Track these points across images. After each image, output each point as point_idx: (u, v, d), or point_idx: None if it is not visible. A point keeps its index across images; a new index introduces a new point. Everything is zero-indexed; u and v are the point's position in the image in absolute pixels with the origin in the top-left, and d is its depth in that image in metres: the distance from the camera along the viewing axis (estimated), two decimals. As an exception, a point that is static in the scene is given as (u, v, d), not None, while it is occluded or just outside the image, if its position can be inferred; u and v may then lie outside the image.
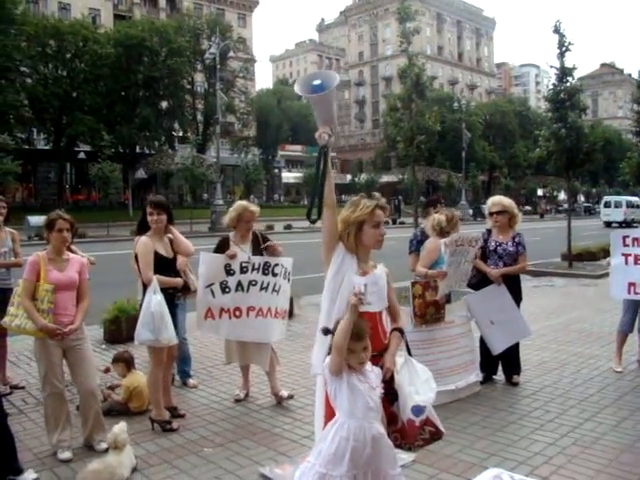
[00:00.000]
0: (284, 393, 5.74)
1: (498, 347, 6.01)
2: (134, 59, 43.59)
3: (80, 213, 41.67)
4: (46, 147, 45.59)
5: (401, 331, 3.29)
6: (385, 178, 66.31)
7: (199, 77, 52.00)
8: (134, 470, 4.32)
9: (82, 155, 44.66)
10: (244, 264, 5.68)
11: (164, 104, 48.87)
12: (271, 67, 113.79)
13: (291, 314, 9.65)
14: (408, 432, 3.13)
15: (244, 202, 5.97)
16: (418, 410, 3.08)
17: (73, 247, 6.48)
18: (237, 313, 5.66)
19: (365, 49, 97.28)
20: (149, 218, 5.22)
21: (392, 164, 70.01)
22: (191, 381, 6.36)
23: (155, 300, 4.96)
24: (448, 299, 5.90)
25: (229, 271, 5.65)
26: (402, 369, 3.21)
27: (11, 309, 4.67)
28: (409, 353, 3.42)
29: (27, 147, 42.08)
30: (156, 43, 44.16)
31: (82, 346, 4.69)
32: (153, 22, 47.06)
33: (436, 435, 3.23)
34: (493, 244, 6.18)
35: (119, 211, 43.38)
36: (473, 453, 4.50)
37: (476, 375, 5.89)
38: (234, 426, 5.19)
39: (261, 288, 5.69)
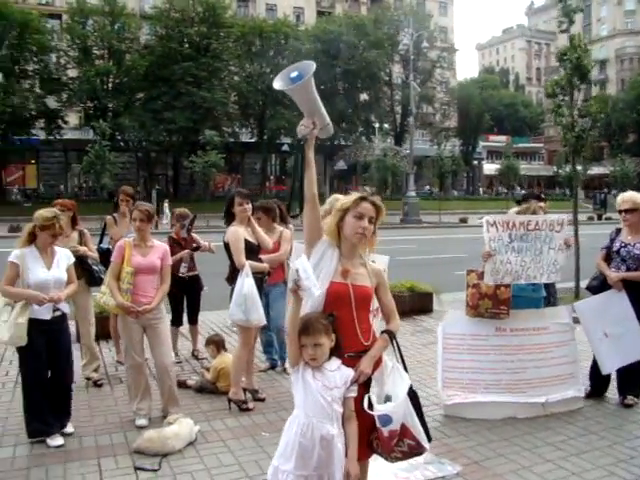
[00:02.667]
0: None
1: (609, 366, 5.32)
2: (332, 53, 45.10)
3: (278, 202, 44.58)
4: (251, 140, 49.08)
5: (391, 334, 3.08)
6: (595, 170, 60.98)
7: (397, 68, 52.23)
8: (190, 444, 4.58)
9: (285, 147, 47.42)
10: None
11: (362, 96, 49.95)
12: (477, 56, 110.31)
13: (430, 310, 9.46)
14: (381, 441, 2.93)
15: (339, 196, 5.94)
16: (385, 420, 2.87)
17: (194, 235, 7.05)
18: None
19: (577, 31, 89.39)
20: (238, 208, 5.49)
21: (605, 155, 64.22)
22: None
23: (247, 283, 5.23)
24: (551, 302, 5.38)
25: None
26: (390, 375, 3.02)
27: (102, 287, 5.20)
28: (401, 358, 3.18)
29: (233, 140, 45.75)
30: (354, 37, 45.22)
31: (159, 325, 5.07)
32: (351, 16, 48.27)
33: (416, 450, 2.98)
34: (618, 245, 5.45)
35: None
36: (528, 477, 4.05)
37: (577, 390, 5.25)
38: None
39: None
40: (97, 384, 5.99)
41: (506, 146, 61.81)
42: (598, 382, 5.52)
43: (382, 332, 3.10)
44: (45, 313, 4.53)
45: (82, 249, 5.82)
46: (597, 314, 5.34)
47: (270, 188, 53.42)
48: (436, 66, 54.12)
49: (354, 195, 3.06)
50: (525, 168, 61.11)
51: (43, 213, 4.60)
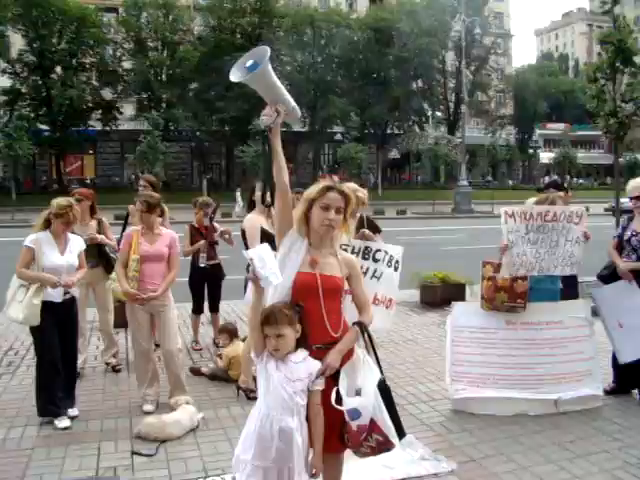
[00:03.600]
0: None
1: (626, 356, 5.08)
2: (384, 41, 44.61)
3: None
4: (303, 129, 49.13)
5: (362, 326, 2.99)
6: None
7: (450, 55, 51.23)
8: (192, 431, 4.61)
9: (338, 137, 47.32)
10: (344, 247, 5.55)
11: (414, 84, 49.28)
12: (535, 41, 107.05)
13: (462, 300, 9.25)
14: (350, 435, 2.86)
15: (352, 185, 5.86)
16: (353, 414, 2.79)
17: (215, 224, 7.09)
18: (336, 294, 5.63)
19: (626, 13, 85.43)
20: (258, 193, 5.51)
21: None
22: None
23: None
24: (572, 295, 5.19)
25: (329, 252, 5.65)
26: (362, 368, 2.95)
27: (112, 275, 5.29)
28: (374, 351, 3.09)
29: (284, 130, 45.78)
30: (406, 24, 44.59)
31: (166, 312, 5.11)
32: (403, 3, 47.59)
33: (384, 445, 2.88)
34: (629, 233, 5.20)
35: (368, 190, 45.13)
36: (525, 477, 3.88)
37: (594, 388, 5.02)
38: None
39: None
40: (115, 369, 6.11)
41: (563, 134, 59.97)
42: (623, 376, 5.27)
43: (353, 323, 3.01)
44: (57, 296, 4.71)
45: (99, 237, 5.93)
46: (611, 303, 5.15)
47: (322, 177, 53.38)
48: (491, 53, 52.84)
49: (320, 184, 2.98)
50: (584, 157, 58.95)
51: (59, 201, 4.77)
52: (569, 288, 5.27)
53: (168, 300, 5.15)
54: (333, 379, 2.86)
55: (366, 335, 2.99)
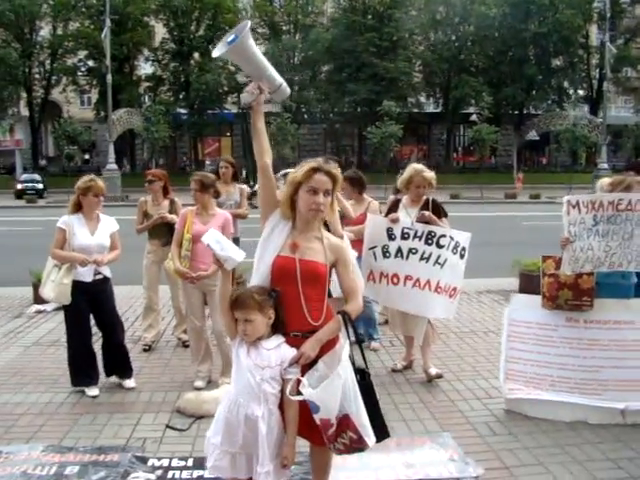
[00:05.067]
0: (432, 371, 5.33)
1: None
2: (521, 17, 42.25)
3: (461, 175, 43.41)
4: (436, 110, 47.98)
5: (346, 315, 2.81)
6: None
7: (595, 29, 47.49)
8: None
9: (474, 117, 45.67)
10: (406, 230, 5.40)
11: (554, 61, 46.31)
12: None
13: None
14: (319, 429, 2.71)
15: (418, 165, 5.60)
16: (312, 406, 2.63)
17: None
18: (395, 280, 5.43)
19: None
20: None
21: None
22: (374, 344, 6.33)
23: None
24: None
25: (391, 235, 5.45)
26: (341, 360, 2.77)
27: (169, 254, 5.43)
28: (358, 343, 2.89)
29: (417, 111, 45.12)
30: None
31: (217, 292, 5.16)
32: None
33: (357, 444, 2.69)
34: None
35: (503, 174, 43.44)
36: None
37: (672, 399, 4.44)
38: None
39: (421, 258, 5.33)
40: (185, 344, 6.30)
41: None
42: None
43: (337, 312, 2.84)
44: (87, 276, 4.86)
45: (169, 216, 6.11)
46: None
47: (457, 159, 52.02)
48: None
49: (306, 166, 2.81)
50: None
51: (81, 179, 4.97)
52: None
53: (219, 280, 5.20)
54: (309, 368, 2.72)
55: (350, 325, 2.81)
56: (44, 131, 50.97)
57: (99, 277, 4.95)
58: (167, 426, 4.38)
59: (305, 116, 46.57)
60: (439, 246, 5.29)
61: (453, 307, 5.43)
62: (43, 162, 48.51)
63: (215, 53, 2.82)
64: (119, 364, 5.16)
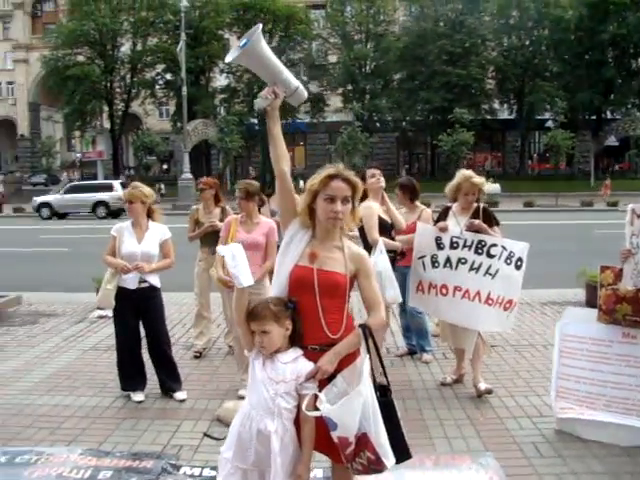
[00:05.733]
0: (482, 386, 5.10)
1: None
2: (598, 18, 40.65)
3: (536, 182, 42.09)
4: (510, 117, 46.77)
5: (366, 329, 2.68)
6: None
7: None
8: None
9: (549, 124, 44.30)
10: (454, 239, 5.23)
11: (634, 63, 44.29)
12: None
13: None
14: (337, 446, 2.60)
15: (467, 171, 5.41)
16: (330, 423, 2.52)
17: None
18: (443, 291, 5.26)
19: None
20: (370, 180, 5.35)
21: None
22: (426, 356, 6.15)
23: (382, 260, 5.08)
24: None
25: (439, 244, 5.30)
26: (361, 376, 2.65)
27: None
28: (379, 359, 2.74)
29: (490, 118, 44.16)
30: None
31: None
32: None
33: (374, 466, 2.54)
34: None
35: (580, 181, 41.91)
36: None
37: None
38: (405, 409, 4.86)
39: (471, 268, 5.14)
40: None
41: None
42: None
43: (358, 325, 2.72)
44: (130, 283, 4.92)
45: (220, 224, 6.16)
46: None
47: (531, 167, 50.54)
48: None
49: (323, 173, 2.72)
50: None
51: (127, 190, 5.08)
52: None
53: (264, 289, 5.17)
54: (329, 384, 2.62)
55: (370, 339, 2.68)
56: (125, 142, 53.19)
57: (144, 285, 4.99)
58: (204, 434, 4.37)
59: (377, 124, 46.47)
60: (490, 256, 5.09)
61: (509, 321, 5.18)
62: (127, 172, 50.54)
63: (227, 58, 2.79)
64: (166, 374, 5.20)
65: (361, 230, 5.31)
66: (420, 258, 5.37)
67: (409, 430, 4.32)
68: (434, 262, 5.30)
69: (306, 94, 2.94)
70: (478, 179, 5.24)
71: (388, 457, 2.56)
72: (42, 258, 14.93)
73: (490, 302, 5.07)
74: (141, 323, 5.15)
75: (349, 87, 45.84)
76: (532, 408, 4.82)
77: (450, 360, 6.05)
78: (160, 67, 45.32)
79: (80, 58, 45.25)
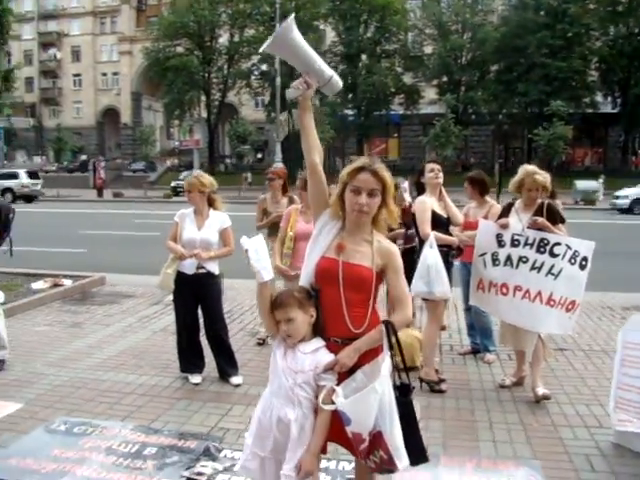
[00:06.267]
0: (539, 391, 4.90)
1: None
2: None
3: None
4: (613, 111, 44.31)
5: (389, 326, 2.63)
6: None
7: None
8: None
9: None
10: (516, 236, 5.05)
11: None
12: None
13: None
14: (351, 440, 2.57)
15: (530, 167, 5.19)
16: (344, 417, 2.50)
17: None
18: (504, 290, 5.10)
19: None
20: (429, 174, 5.28)
21: None
22: (489, 356, 5.99)
23: (431, 254, 5.04)
24: None
25: (500, 242, 5.14)
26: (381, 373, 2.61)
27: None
28: (401, 356, 2.67)
29: (591, 112, 42.02)
30: None
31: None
32: None
33: (387, 465, 2.50)
34: None
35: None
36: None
37: None
38: (457, 409, 4.79)
39: (532, 267, 4.96)
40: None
41: None
42: None
43: (382, 321, 2.68)
44: (188, 269, 5.05)
45: None
46: None
47: (636, 163, 47.72)
48: None
49: (353, 164, 2.69)
50: None
51: (187, 179, 5.22)
52: None
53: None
54: (349, 379, 2.61)
55: (393, 337, 2.63)
56: (221, 131, 54.76)
57: (202, 271, 5.10)
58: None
59: (472, 117, 45.35)
60: (553, 255, 4.88)
61: (570, 323, 4.97)
62: (229, 161, 51.94)
63: (262, 48, 2.80)
64: (223, 359, 5.32)
65: (416, 225, 5.27)
66: (481, 255, 5.23)
67: (456, 431, 4.32)
68: (494, 260, 5.14)
69: (341, 84, 2.90)
70: (541, 176, 5.02)
71: (401, 459, 2.52)
72: (133, 242, 15.69)
73: (552, 303, 4.88)
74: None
75: (444, 79, 44.96)
76: (592, 418, 4.58)
77: (514, 361, 5.86)
78: (256, 58, 46.19)
79: (179, 49, 46.98)
